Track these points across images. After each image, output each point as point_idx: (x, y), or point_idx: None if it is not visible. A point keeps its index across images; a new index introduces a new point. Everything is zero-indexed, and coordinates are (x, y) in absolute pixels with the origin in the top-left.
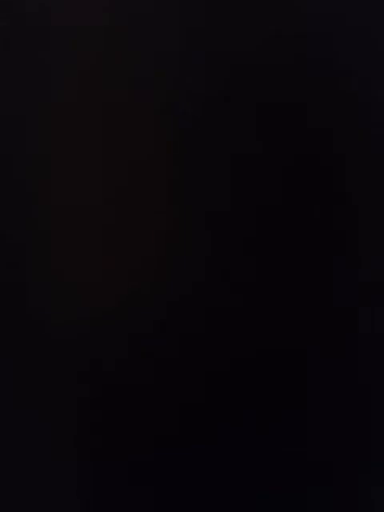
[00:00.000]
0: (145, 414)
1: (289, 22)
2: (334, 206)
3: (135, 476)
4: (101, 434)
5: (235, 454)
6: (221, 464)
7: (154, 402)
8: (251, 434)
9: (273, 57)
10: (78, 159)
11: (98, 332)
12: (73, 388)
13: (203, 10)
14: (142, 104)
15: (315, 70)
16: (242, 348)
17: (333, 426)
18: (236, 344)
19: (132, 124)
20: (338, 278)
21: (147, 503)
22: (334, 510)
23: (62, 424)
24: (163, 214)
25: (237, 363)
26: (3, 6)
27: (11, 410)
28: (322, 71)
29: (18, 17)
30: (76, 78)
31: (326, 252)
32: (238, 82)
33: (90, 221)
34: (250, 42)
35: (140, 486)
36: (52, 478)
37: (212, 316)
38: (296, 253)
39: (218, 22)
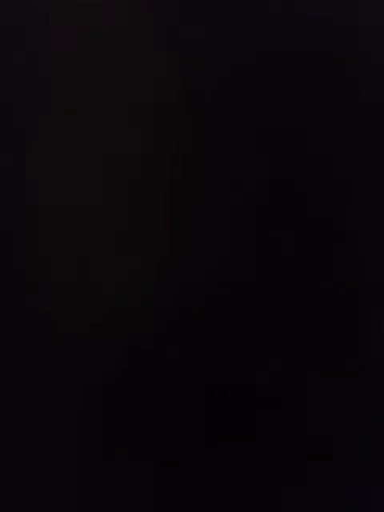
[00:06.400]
0: (146, 417)
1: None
2: (334, 209)
3: (136, 478)
4: (101, 437)
5: (237, 457)
6: (222, 467)
7: (155, 405)
8: (253, 436)
9: (273, 60)
10: (78, 161)
11: (98, 334)
12: (73, 390)
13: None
14: (143, 106)
15: (316, 74)
16: (242, 348)
17: (334, 428)
18: (236, 345)
19: (132, 125)
20: (338, 282)
21: (147, 506)
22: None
23: (63, 427)
24: (164, 217)
25: (237, 365)
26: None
27: (11, 413)
28: (323, 75)
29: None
30: (75, 84)
31: (325, 254)
32: (239, 86)
33: (91, 223)
34: (250, 46)
35: (140, 488)
36: (52, 481)
37: (213, 317)
38: (297, 254)
39: (219, 27)
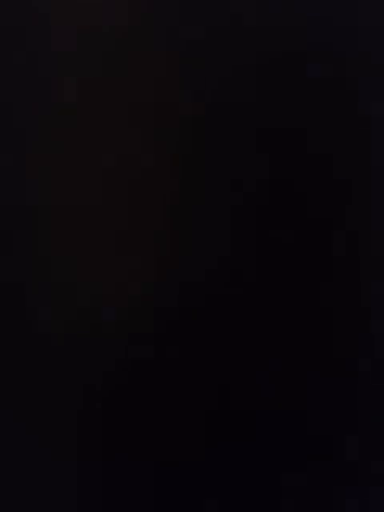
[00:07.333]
0: (146, 417)
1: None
2: (334, 209)
3: (136, 478)
4: (101, 437)
5: (237, 458)
6: (222, 468)
7: (155, 405)
8: (253, 437)
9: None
10: (78, 161)
11: (98, 334)
12: (73, 390)
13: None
14: (143, 106)
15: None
16: (242, 348)
17: (334, 428)
18: (237, 345)
19: (132, 125)
20: (338, 282)
21: (147, 506)
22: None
23: (63, 427)
24: (164, 217)
25: (238, 365)
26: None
27: (11, 413)
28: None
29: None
30: (75, 82)
31: (326, 254)
32: (239, 86)
33: (91, 223)
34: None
35: (140, 488)
36: (52, 481)
37: (213, 317)
38: (297, 254)
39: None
